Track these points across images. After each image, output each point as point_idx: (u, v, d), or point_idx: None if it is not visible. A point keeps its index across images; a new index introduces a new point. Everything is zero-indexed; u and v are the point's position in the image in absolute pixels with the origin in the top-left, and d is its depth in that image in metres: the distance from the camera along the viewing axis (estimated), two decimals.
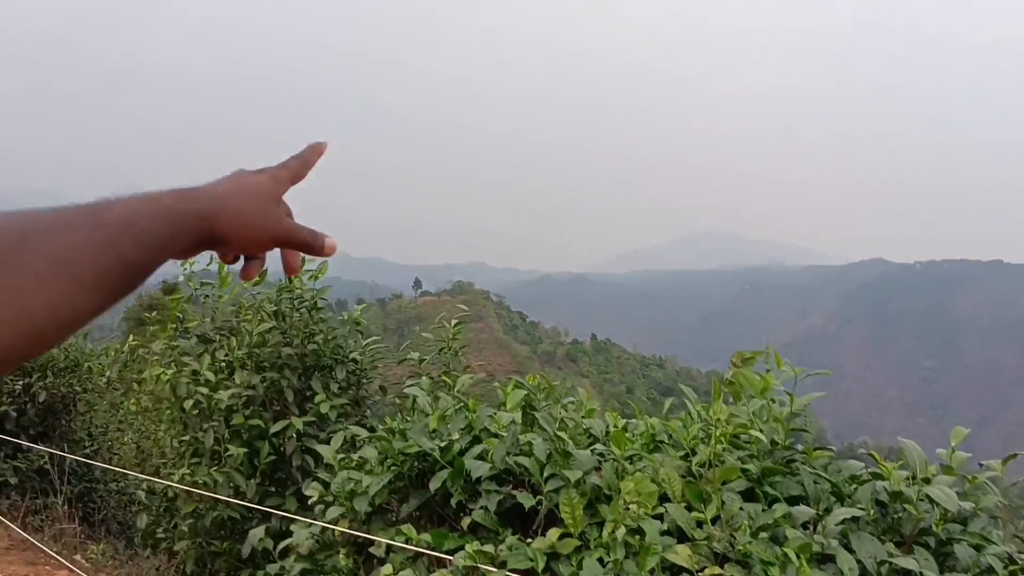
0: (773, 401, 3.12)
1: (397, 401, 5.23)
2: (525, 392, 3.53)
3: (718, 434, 2.66)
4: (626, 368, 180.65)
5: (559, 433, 3.01)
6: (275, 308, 5.26)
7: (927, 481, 2.70)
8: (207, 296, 5.78)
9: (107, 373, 8.54)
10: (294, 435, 5.01)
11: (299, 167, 1.04)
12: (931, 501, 2.57)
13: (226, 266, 5.64)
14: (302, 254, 1.05)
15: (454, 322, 5.60)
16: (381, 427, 3.90)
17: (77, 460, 7.75)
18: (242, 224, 0.93)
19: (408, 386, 5.41)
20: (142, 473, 7.40)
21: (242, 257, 1.01)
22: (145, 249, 0.80)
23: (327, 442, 4.61)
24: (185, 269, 5.68)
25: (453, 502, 3.19)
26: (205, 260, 5.72)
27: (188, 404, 5.28)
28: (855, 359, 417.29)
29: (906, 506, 2.61)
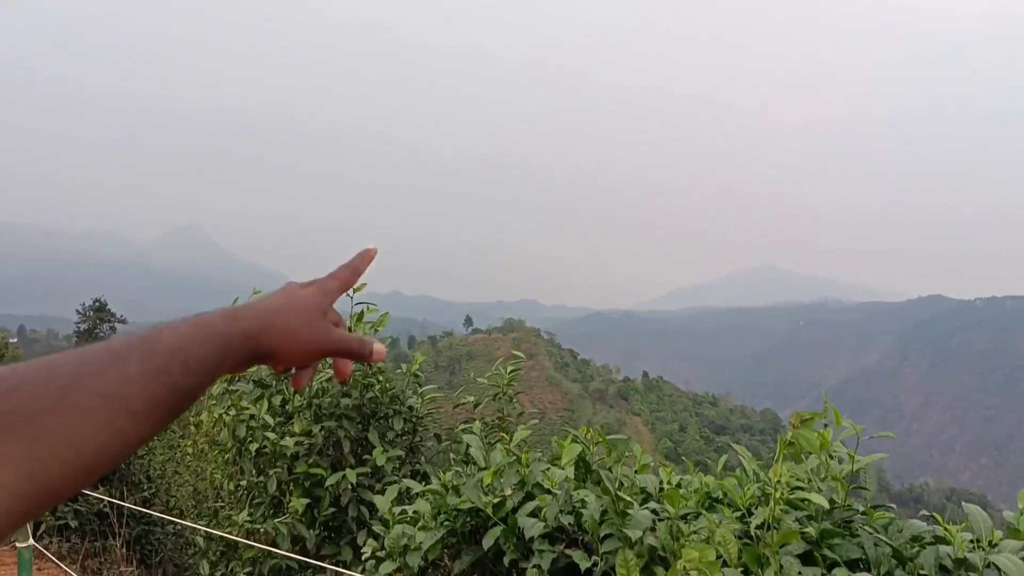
0: (831, 458, 3.07)
1: (453, 456, 5.24)
2: (581, 447, 3.52)
3: (777, 496, 2.63)
4: (678, 406, 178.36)
5: (619, 493, 2.99)
6: None
7: (993, 546, 2.62)
8: None
9: None
10: (349, 486, 5.04)
11: (348, 276, 1.10)
12: (997, 569, 2.50)
13: None
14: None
15: (509, 367, 5.62)
16: (436, 480, 3.91)
17: (135, 502, 7.87)
18: (290, 339, 0.98)
19: (460, 429, 5.43)
20: (199, 515, 7.48)
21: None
22: (194, 375, 0.85)
23: (382, 493, 4.63)
24: None
25: (506, 560, 3.18)
26: None
27: (253, 447, 5.33)
28: (914, 397, 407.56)
29: (971, 574, 2.54)
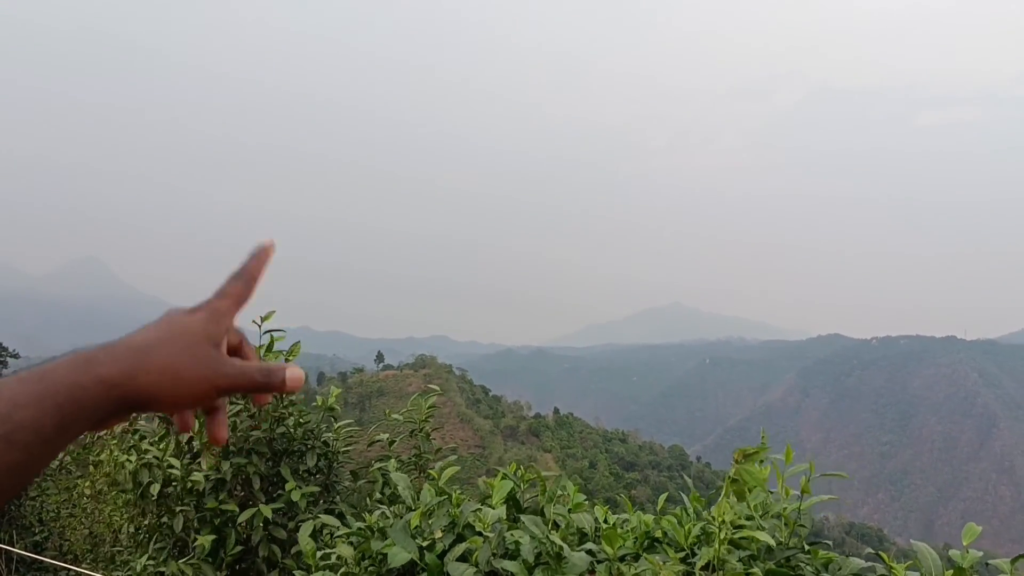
0: (771, 494, 3.00)
1: (369, 497, 5.00)
2: (512, 485, 3.37)
3: (722, 536, 2.53)
4: (588, 442, 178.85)
5: (551, 536, 2.84)
6: None
7: None
8: None
9: (61, 456, 8.18)
10: (261, 524, 4.75)
11: (243, 289, 0.88)
12: None
13: None
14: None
15: (427, 403, 5.43)
16: (361, 523, 3.71)
17: (26, 547, 7.36)
18: (173, 380, 0.80)
19: (376, 468, 5.21)
20: (95, 560, 7.03)
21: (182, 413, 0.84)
22: (20, 449, 0.68)
23: (295, 531, 4.39)
24: None
25: None
26: None
27: (155, 488, 4.96)
28: (815, 433, 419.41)
29: None
